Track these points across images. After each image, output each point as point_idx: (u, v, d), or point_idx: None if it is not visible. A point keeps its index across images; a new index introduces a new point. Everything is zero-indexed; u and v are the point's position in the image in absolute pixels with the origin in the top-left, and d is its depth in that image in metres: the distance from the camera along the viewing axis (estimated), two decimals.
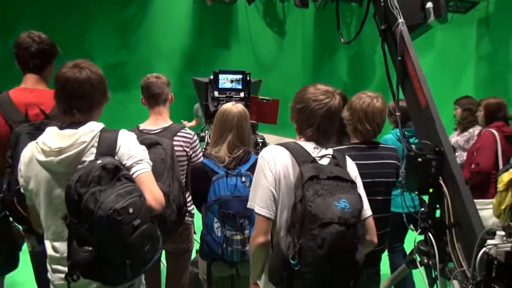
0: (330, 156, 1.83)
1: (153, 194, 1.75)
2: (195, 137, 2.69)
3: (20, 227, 2.42)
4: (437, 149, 2.30)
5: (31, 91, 2.50)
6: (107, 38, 8.24)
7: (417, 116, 2.56)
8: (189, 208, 2.58)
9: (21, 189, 1.88)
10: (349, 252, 1.64)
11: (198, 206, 2.49)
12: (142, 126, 2.61)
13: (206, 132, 3.47)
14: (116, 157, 1.79)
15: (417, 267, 2.39)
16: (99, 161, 1.68)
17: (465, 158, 4.11)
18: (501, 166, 3.69)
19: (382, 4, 2.79)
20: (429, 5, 2.93)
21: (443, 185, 2.24)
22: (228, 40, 8.81)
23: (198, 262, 2.52)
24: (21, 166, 1.85)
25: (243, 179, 2.31)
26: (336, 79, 7.39)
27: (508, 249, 1.90)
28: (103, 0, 8.00)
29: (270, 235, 1.80)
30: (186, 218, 2.51)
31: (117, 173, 1.69)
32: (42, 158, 1.76)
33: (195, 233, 2.69)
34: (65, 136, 1.77)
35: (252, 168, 2.28)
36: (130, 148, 1.81)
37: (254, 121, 3.30)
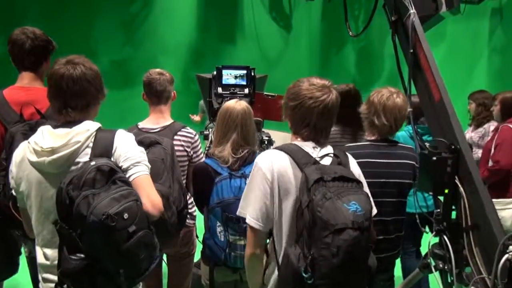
0: (332, 155, 1.71)
1: (151, 199, 1.64)
2: (196, 137, 2.57)
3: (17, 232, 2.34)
4: (452, 147, 2.16)
5: (27, 89, 2.39)
6: (112, 34, 8.17)
7: (430, 111, 2.42)
8: (190, 210, 2.47)
9: (13, 191, 1.78)
10: (363, 258, 1.53)
11: (200, 208, 2.38)
12: (142, 125, 2.50)
13: (210, 130, 3.35)
14: (112, 159, 1.68)
15: (431, 272, 2.26)
16: (93, 163, 1.57)
17: (480, 155, 3.95)
18: None
19: None
20: None
21: (460, 185, 2.10)
22: (233, 35, 8.68)
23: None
24: (13, 167, 1.75)
25: (248, 180, 2.17)
26: (344, 74, 7.23)
27: None
28: None
29: (263, 246, 1.72)
30: (187, 220, 2.40)
31: (112, 175, 1.58)
32: (33, 158, 1.66)
33: (197, 236, 2.58)
34: (59, 135, 1.67)
35: None
36: (127, 150, 1.70)
37: (259, 118, 3.17)
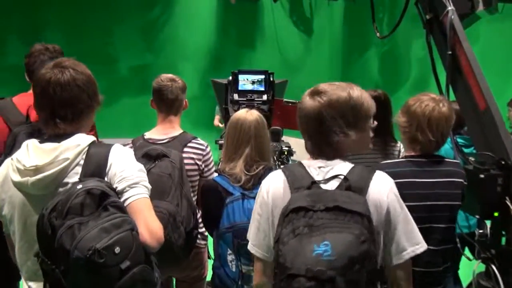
0: (342, 177, 1.34)
1: (149, 227, 1.37)
2: (208, 149, 2.29)
3: None
4: (502, 162, 1.84)
5: None
6: (131, 41, 8.03)
7: (474, 121, 2.10)
8: (201, 230, 2.20)
9: None
10: None
11: (209, 232, 2.11)
12: (148, 135, 2.24)
13: (225, 137, 3.09)
14: (106, 178, 1.43)
15: None
16: (79, 186, 1.32)
17: None
18: None
19: None
20: None
21: None
22: (253, 39, 8.44)
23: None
24: None
25: None
26: (367, 79, 6.87)
27: None
28: (127, 3, 7.80)
29: (269, 275, 1.42)
30: (198, 241, 2.14)
31: (104, 200, 1.32)
32: (16, 178, 1.41)
33: (209, 257, 2.31)
34: (45, 151, 1.42)
35: None
36: (123, 168, 1.44)
37: (278, 127, 2.89)
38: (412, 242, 1.36)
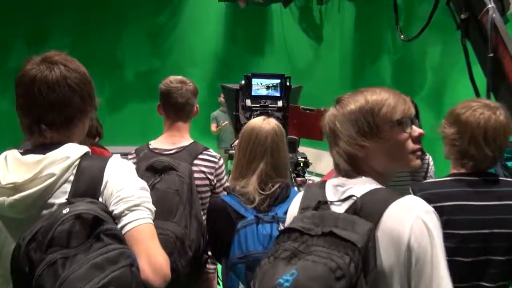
0: (354, 199, 1.09)
1: (152, 261, 1.09)
2: (221, 161, 2.00)
3: None
4: None
5: None
6: (139, 46, 7.85)
7: None
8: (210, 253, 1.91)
9: None
10: None
11: (217, 259, 1.82)
12: (154, 144, 1.96)
13: (237, 149, 2.81)
14: (100, 199, 1.16)
15: None
16: (66, 210, 1.04)
17: None
18: None
19: None
20: None
21: None
22: (262, 46, 8.21)
23: None
24: None
25: (281, 226, 1.57)
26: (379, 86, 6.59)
27: None
28: (134, 8, 7.62)
29: None
30: (207, 265, 1.86)
31: (97, 227, 1.05)
32: None
33: (219, 284, 2.02)
34: (26, 164, 1.15)
35: None
36: (122, 186, 1.17)
37: (294, 137, 2.61)
38: None
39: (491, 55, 2.00)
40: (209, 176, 1.90)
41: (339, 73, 7.39)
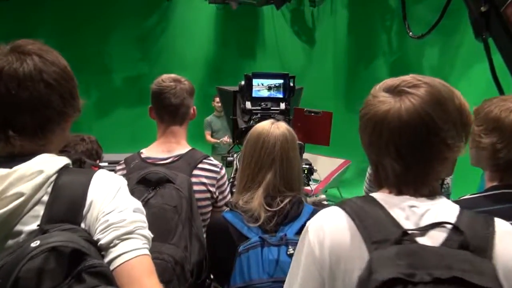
0: (448, 227, 0.85)
1: None
2: (223, 171, 1.74)
3: None
4: None
5: None
6: (126, 50, 7.59)
7: None
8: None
9: None
10: None
11: (220, 284, 1.56)
12: (146, 153, 1.69)
13: (235, 155, 2.56)
14: (83, 225, 0.91)
15: None
16: (35, 243, 0.79)
17: None
18: None
19: None
20: None
21: None
22: (254, 50, 8.00)
23: None
24: None
25: (291, 249, 1.33)
26: None
27: None
28: (122, 11, 7.36)
29: None
30: None
31: (78, 263, 0.80)
32: None
33: None
34: None
35: None
36: (110, 208, 0.92)
37: (299, 142, 2.37)
38: None
39: None
40: (210, 188, 1.65)
41: (333, 76, 7.20)
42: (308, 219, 1.40)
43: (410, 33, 2.67)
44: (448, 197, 2.22)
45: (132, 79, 7.51)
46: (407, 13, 5.87)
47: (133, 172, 1.59)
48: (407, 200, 0.88)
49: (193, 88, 1.75)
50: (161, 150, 1.67)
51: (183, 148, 1.69)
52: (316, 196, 2.59)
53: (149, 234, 0.94)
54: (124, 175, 1.63)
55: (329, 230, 0.90)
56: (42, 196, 0.90)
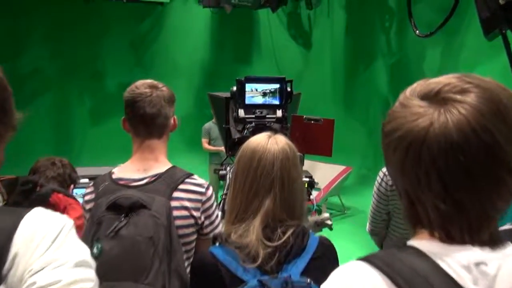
0: None
1: None
2: (210, 191, 1.46)
3: None
4: None
5: None
6: (120, 55, 7.34)
7: None
8: None
9: None
10: None
11: None
12: (119, 173, 1.42)
13: (228, 168, 2.30)
14: (2, 287, 0.65)
15: None
16: None
17: None
18: None
19: None
20: None
21: None
22: (250, 54, 7.76)
23: None
24: None
25: None
26: (374, 93, 6.16)
27: None
28: (115, 16, 7.11)
29: None
30: None
31: None
32: None
33: None
34: None
35: (314, 268, 1.11)
36: (42, 264, 0.66)
37: (299, 153, 2.11)
38: None
39: None
40: (194, 213, 1.38)
41: (331, 79, 6.96)
42: (315, 254, 1.14)
43: (417, 31, 2.43)
44: None
45: (126, 85, 7.07)
46: (406, 12, 5.65)
47: (102, 196, 1.33)
48: (468, 252, 0.61)
49: (172, 95, 1.49)
50: (136, 169, 1.41)
51: (162, 165, 1.42)
52: (317, 208, 2.32)
53: None
54: (92, 200, 1.37)
55: None
56: None
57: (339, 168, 5.19)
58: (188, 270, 1.32)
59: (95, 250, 1.21)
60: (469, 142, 0.59)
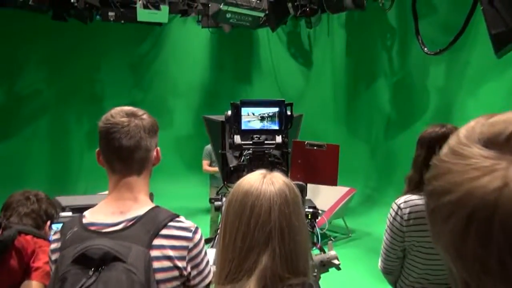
0: None
1: None
2: (198, 236, 1.21)
3: None
4: None
5: None
6: (119, 77, 7.22)
7: None
8: None
9: None
10: None
11: None
12: (90, 216, 1.18)
13: (224, 198, 2.09)
14: None
15: None
16: None
17: None
18: None
19: None
20: None
21: None
22: (249, 73, 7.61)
23: None
24: None
25: None
26: (376, 112, 5.96)
27: None
28: (114, 37, 7.00)
29: None
30: None
31: None
32: None
33: None
34: None
35: None
36: None
37: (300, 182, 1.90)
38: None
39: None
40: (179, 263, 1.15)
41: (333, 99, 6.77)
42: None
43: (425, 49, 2.23)
44: None
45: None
46: (408, 30, 5.49)
47: (70, 245, 1.10)
48: None
49: (155, 124, 1.27)
50: (111, 211, 1.18)
51: (142, 206, 1.19)
52: (323, 242, 2.08)
53: None
54: (57, 250, 1.15)
55: None
56: None
57: (343, 190, 4.95)
58: None
59: None
60: None
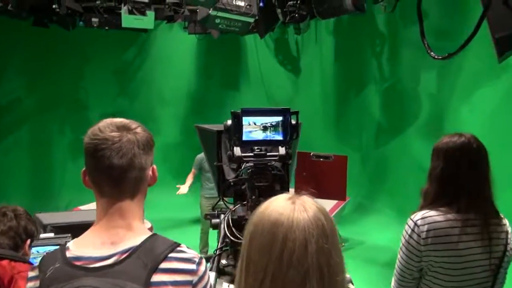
0: None
1: None
2: (202, 268, 1.02)
3: None
4: None
5: None
6: (103, 85, 6.97)
7: None
8: None
9: None
10: None
11: None
12: (75, 248, 0.97)
13: (222, 216, 1.89)
14: None
15: None
16: None
17: None
18: None
19: None
20: None
21: None
22: (237, 80, 7.45)
23: None
24: None
25: None
26: (366, 119, 5.84)
27: None
28: (98, 44, 6.75)
29: None
30: None
31: None
32: None
33: None
34: None
35: None
36: None
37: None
38: None
39: None
40: None
41: (322, 106, 6.65)
42: None
43: (432, 53, 2.10)
44: (505, 252, 1.60)
45: (110, 116, 6.81)
46: (397, 36, 5.40)
47: (50, 286, 0.90)
48: None
49: (150, 138, 1.07)
50: (100, 242, 0.98)
51: (137, 235, 1.00)
52: None
53: None
54: None
55: None
56: None
57: None
58: None
59: None
60: None
